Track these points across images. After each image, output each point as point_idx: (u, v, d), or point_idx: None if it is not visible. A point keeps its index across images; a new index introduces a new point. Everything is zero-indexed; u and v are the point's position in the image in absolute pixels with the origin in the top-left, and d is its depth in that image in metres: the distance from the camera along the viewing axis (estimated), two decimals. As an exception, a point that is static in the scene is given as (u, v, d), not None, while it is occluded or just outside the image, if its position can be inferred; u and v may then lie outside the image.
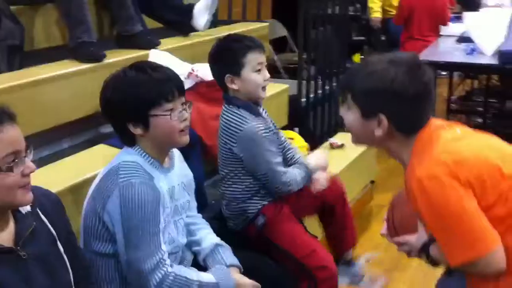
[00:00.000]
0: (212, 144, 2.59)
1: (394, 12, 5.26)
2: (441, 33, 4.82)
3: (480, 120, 4.77)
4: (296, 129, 3.47)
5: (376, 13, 5.39)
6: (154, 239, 1.65)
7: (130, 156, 1.73)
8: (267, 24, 4.27)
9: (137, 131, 1.71)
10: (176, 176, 1.85)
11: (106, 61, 2.75)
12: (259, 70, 2.20)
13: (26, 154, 1.32)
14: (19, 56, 2.68)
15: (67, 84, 2.60)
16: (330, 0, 4.21)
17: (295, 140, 3.04)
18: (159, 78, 1.71)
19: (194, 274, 1.72)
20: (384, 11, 5.43)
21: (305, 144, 3.15)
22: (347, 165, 3.17)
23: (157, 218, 1.67)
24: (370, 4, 5.43)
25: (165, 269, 1.65)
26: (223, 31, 3.74)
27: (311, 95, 3.92)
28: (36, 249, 1.35)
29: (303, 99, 3.84)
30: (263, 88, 2.25)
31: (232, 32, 3.74)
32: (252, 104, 2.25)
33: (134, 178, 1.66)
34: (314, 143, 3.41)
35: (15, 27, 2.66)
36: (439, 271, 2.84)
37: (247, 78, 2.19)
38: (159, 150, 1.78)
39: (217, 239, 1.95)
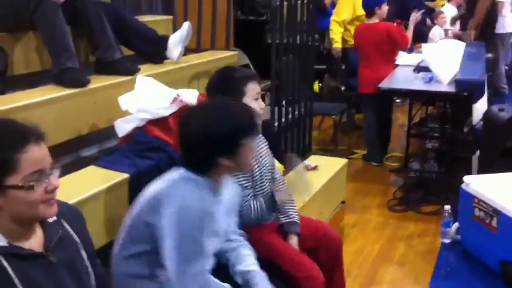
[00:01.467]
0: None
1: (352, 42, 5.51)
2: (397, 63, 5.07)
3: (436, 144, 5.03)
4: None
5: (337, 43, 5.62)
6: (200, 249, 1.77)
7: (191, 175, 1.82)
8: (236, 52, 4.41)
9: (226, 162, 1.81)
10: (224, 201, 1.94)
11: (88, 86, 2.81)
12: (256, 99, 2.33)
13: (52, 171, 1.37)
14: (3, 82, 2.71)
15: (51, 109, 2.63)
16: (294, 31, 4.40)
17: (271, 163, 3.15)
18: (249, 110, 1.86)
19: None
20: (343, 41, 5.66)
21: (281, 166, 3.26)
22: (321, 186, 3.30)
23: (202, 226, 1.77)
24: (332, 35, 5.65)
25: (204, 277, 1.79)
26: (194, 59, 3.86)
27: (282, 120, 4.07)
28: (63, 255, 1.42)
29: (275, 124, 3.98)
30: (260, 116, 2.35)
31: (202, 60, 3.89)
32: None
33: (190, 193, 1.76)
34: (288, 165, 3.52)
35: (-2, 54, 2.69)
36: (409, 286, 3.01)
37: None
38: (223, 179, 1.88)
39: (254, 266, 2.06)
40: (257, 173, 2.39)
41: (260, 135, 2.51)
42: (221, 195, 1.92)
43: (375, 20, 4.92)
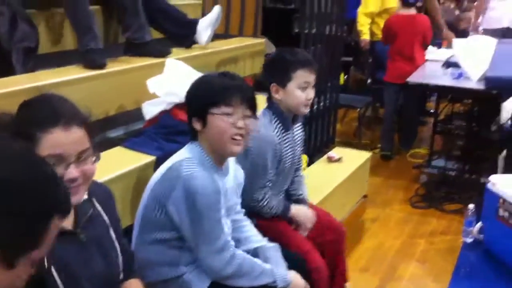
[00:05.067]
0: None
1: (380, 34, 5.44)
2: (426, 58, 5.01)
3: (461, 142, 4.96)
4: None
5: (365, 35, 5.56)
6: (219, 224, 1.81)
7: (191, 153, 1.87)
8: (263, 40, 4.38)
9: (197, 125, 1.87)
10: (230, 179, 1.97)
11: (116, 68, 2.81)
12: (304, 88, 2.26)
13: (81, 158, 1.32)
14: (33, 58, 2.72)
15: (79, 88, 2.64)
16: (322, 21, 4.36)
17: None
18: (229, 84, 1.87)
19: (258, 260, 1.90)
20: (371, 33, 5.60)
21: (305, 156, 3.25)
22: (344, 179, 3.28)
23: (218, 205, 1.82)
24: (359, 27, 5.59)
25: (231, 250, 1.83)
26: (221, 45, 3.84)
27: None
28: (93, 234, 1.43)
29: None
30: (305, 106, 2.30)
31: (229, 46, 3.88)
32: (287, 117, 2.32)
33: (196, 172, 1.80)
34: (311, 155, 3.51)
35: (30, 30, 2.71)
36: (429, 284, 2.98)
37: (291, 92, 2.26)
38: (215, 152, 1.90)
39: (262, 241, 2.06)
40: (289, 162, 2.36)
41: (300, 124, 2.49)
42: (226, 173, 1.96)
43: (413, 11, 4.88)
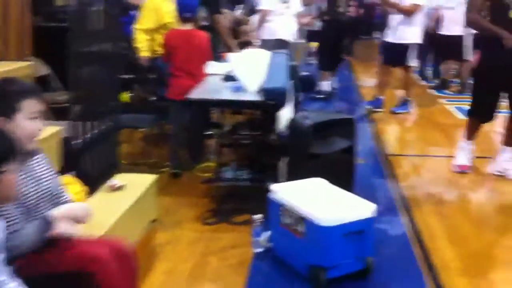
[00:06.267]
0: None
1: (160, 51, 5.37)
2: (208, 72, 5.06)
3: (246, 151, 5.09)
4: (72, 173, 3.28)
5: (144, 52, 5.44)
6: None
7: None
8: (30, 63, 4.06)
9: None
10: None
11: None
12: (34, 119, 2.09)
13: None
14: None
15: None
16: (97, 38, 4.13)
17: (72, 186, 2.87)
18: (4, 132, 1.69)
19: None
20: (151, 50, 5.50)
21: (84, 188, 3.00)
22: (130, 206, 3.11)
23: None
24: (137, 44, 5.46)
25: None
26: (-20, 71, 3.43)
27: (86, 136, 3.77)
28: None
29: (77, 141, 3.66)
30: (33, 139, 2.13)
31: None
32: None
33: None
34: (92, 185, 3.26)
35: None
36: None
37: (20, 124, 2.06)
38: None
39: None
40: (33, 199, 2.13)
41: (40, 156, 2.26)
42: None
43: (189, 26, 4.88)
